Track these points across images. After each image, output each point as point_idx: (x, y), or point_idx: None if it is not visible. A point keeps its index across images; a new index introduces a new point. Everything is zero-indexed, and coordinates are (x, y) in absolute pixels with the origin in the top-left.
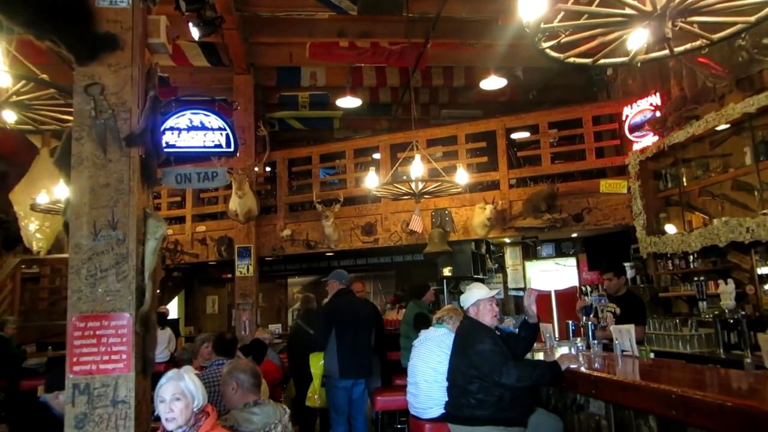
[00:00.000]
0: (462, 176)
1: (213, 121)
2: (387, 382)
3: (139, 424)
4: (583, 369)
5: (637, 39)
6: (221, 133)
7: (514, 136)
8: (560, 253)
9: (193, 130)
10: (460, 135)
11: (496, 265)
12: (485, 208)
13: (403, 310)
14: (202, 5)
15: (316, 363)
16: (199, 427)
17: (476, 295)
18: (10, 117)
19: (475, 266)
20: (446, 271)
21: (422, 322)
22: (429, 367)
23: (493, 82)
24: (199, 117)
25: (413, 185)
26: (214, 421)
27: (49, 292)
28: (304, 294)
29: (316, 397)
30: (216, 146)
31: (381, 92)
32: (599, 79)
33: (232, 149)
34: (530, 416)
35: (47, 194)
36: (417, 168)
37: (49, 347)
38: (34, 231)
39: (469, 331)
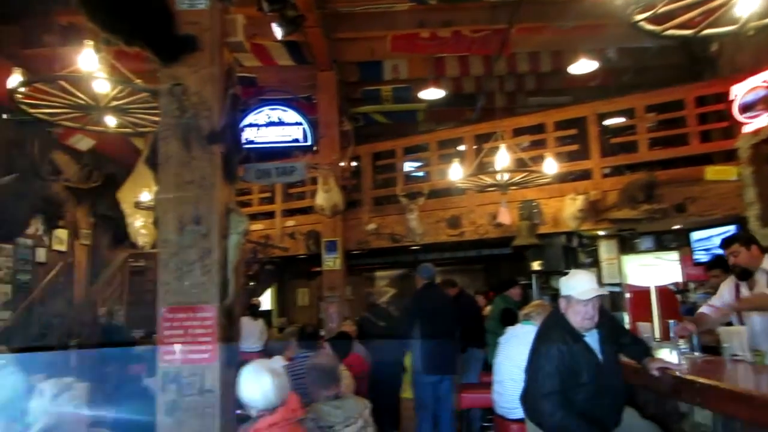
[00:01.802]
0: (551, 166)
1: (290, 116)
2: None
3: (225, 413)
4: (682, 374)
5: (748, 2)
6: (298, 128)
7: (607, 122)
8: (661, 246)
9: (271, 126)
10: (548, 123)
11: (590, 259)
12: (576, 199)
13: None
14: (283, 5)
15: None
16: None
17: (570, 290)
18: (111, 121)
19: (566, 260)
20: (536, 265)
21: (509, 318)
22: (515, 366)
23: (582, 66)
24: (276, 113)
25: (499, 176)
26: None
27: (154, 284)
28: (368, 290)
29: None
30: (293, 141)
31: (465, 82)
32: (703, 56)
33: (309, 143)
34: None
35: (149, 193)
36: (502, 158)
37: (154, 335)
38: (140, 227)
39: (543, 335)
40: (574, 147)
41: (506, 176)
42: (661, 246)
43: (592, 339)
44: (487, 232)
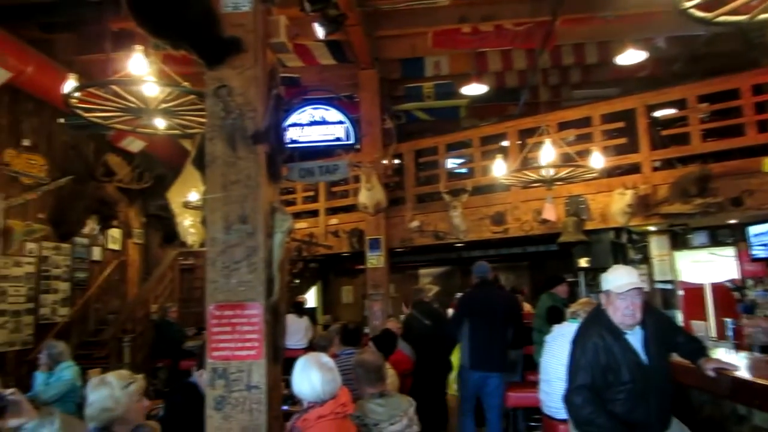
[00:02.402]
0: (597, 160)
1: (333, 114)
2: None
3: (272, 409)
4: (741, 374)
5: None
6: (341, 126)
7: (657, 113)
8: (716, 241)
9: (315, 125)
10: (595, 116)
11: (640, 255)
12: (625, 194)
13: None
14: (325, 4)
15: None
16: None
17: (610, 284)
18: (161, 124)
19: (615, 256)
20: (583, 262)
21: (555, 316)
22: (562, 365)
23: (630, 57)
24: (319, 112)
25: (544, 172)
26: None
27: (203, 282)
28: (415, 287)
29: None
30: (336, 139)
31: (507, 77)
32: (759, 42)
33: (351, 141)
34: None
35: (197, 192)
36: (547, 153)
37: (204, 331)
38: (189, 226)
39: (582, 330)
40: (622, 140)
41: (551, 171)
42: (715, 241)
43: (635, 338)
44: (532, 228)
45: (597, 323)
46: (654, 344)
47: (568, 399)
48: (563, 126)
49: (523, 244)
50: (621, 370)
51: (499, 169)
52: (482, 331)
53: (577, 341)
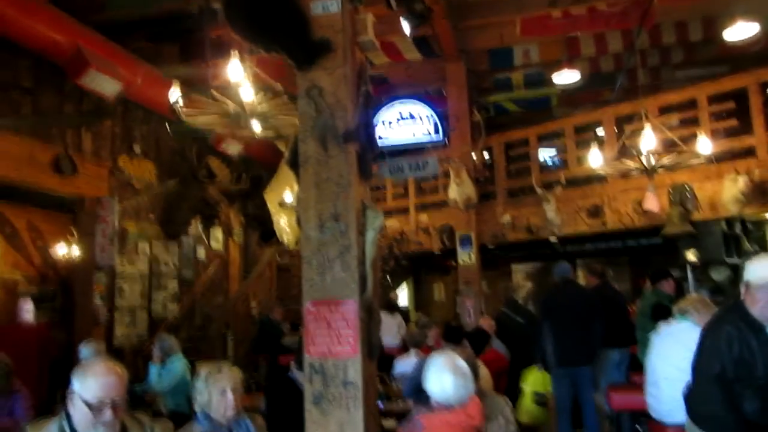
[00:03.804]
0: (705, 145)
1: (421, 110)
2: None
3: (367, 405)
4: None
5: None
6: (429, 122)
7: None
8: None
9: (403, 121)
10: (701, 97)
11: (757, 247)
12: (737, 180)
13: None
14: None
15: (529, 379)
16: None
17: (750, 275)
18: (257, 126)
19: (727, 249)
20: (690, 256)
21: (661, 313)
22: (671, 365)
23: (740, 31)
24: (407, 108)
25: (644, 159)
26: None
27: (299, 280)
28: (505, 285)
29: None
30: (425, 135)
31: (602, 61)
32: None
33: (440, 136)
34: None
35: (291, 192)
36: (648, 140)
37: (301, 327)
38: (284, 225)
39: (715, 319)
40: (732, 122)
41: (652, 159)
42: None
43: None
44: (632, 221)
45: (734, 313)
46: None
47: (691, 389)
48: (665, 110)
49: (623, 237)
50: (755, 365)
51: (595, 158)
52: (564, 329)
53: (708, 331)
